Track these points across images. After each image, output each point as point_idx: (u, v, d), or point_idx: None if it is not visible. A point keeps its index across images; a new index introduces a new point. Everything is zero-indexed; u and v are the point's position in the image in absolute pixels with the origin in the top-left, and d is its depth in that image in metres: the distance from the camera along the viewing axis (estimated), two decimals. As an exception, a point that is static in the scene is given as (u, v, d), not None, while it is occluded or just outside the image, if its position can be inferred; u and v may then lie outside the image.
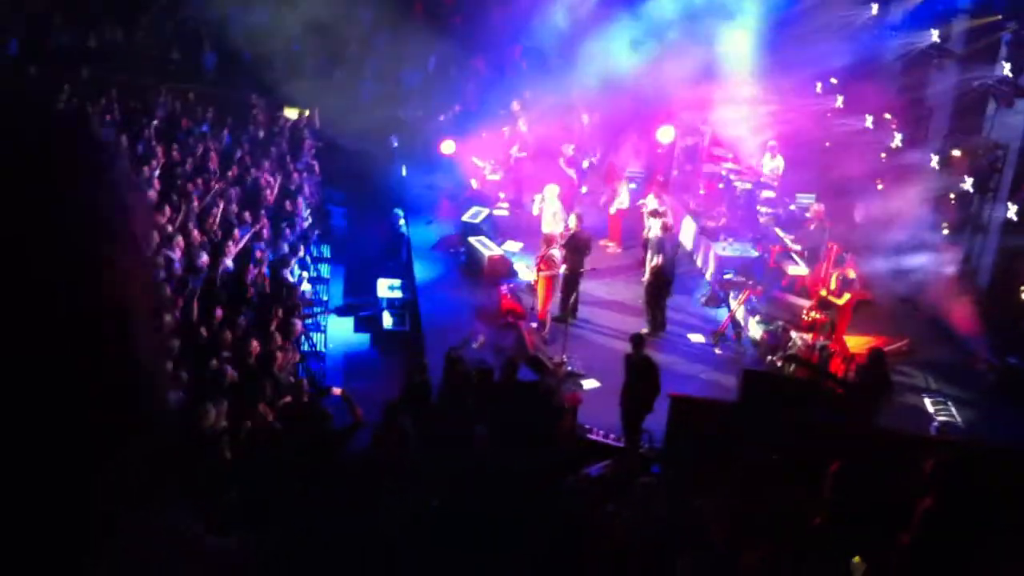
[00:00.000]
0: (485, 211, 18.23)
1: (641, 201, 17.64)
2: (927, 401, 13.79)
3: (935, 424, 13.21)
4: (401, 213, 17.68)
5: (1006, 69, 16.33)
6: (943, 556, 8.12)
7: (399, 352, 14.82)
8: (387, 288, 16.07)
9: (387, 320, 15.68)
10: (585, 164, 19.95)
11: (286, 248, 14.83)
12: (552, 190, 17.24)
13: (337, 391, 11.95)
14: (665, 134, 20.88)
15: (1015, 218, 15.33)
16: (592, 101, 20.97)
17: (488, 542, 7.98)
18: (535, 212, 17.33)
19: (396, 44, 20.78)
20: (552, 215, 16.77)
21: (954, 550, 8.07)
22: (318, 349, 14.40)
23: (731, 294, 16.22)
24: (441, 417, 10.83)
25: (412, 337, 15.18)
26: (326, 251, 17.27)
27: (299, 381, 11.41)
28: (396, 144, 20.78)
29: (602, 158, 20.90)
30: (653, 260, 15.58)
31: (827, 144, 20.42)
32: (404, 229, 17.56)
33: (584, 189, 19.79)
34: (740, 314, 15.81)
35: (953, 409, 13.54)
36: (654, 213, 16.44)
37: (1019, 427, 13.42)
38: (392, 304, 15.86)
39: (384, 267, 16.69)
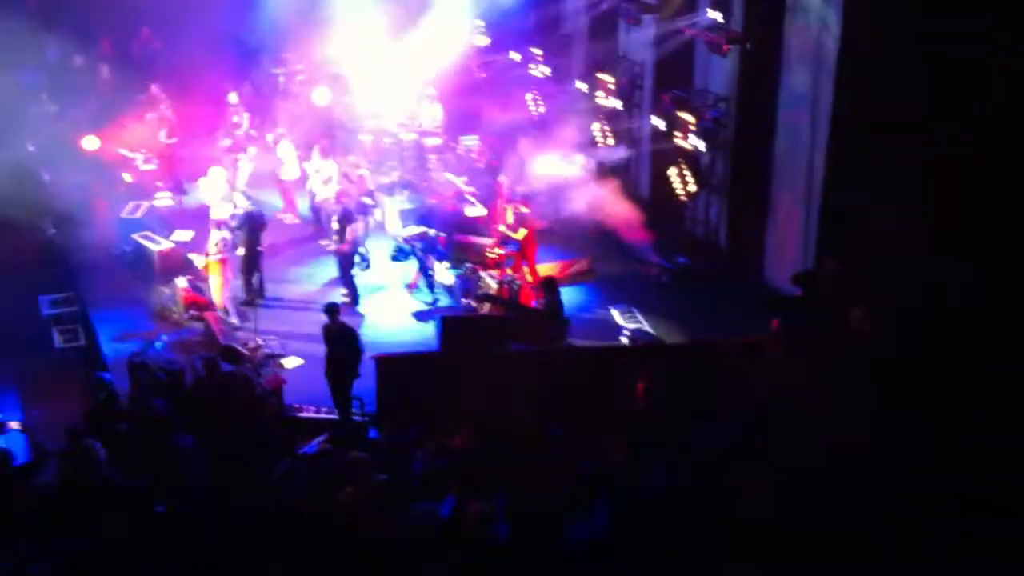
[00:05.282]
0: (145, 204, 17.04)
1: (308, 166, 17.22)
2: (614, 312, 14.49)
3: (625, 332, 13.93)
4: (50, 221, 16.10)
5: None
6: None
7: (78, 370, 13.58)
8: (51, 304, 14.68)
9: (57, 339, 14.30)
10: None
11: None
12: (217, 172, 16.46)
13: (14, 425, 10.95)
14: (320, 96, 20.40)
15: (662, 127, 16.32)
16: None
17: (219, 547, 7.53)
18: (204, 197, 16.49)
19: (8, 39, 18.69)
20: (220, 198, 16.04)
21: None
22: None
23: (416, 245, 16.20)
24: (137, 431, 10.03)
25: (90, 352, 13.96)
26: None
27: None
28: (32, 148, 18.88)
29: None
30: (334, 228, 15.30)
31: (480, 82, 20.81)
32: (56, 238, 16.01)
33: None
34: (428, 263, 15.85)
35: (639, 315, 14.33)
36: (325, 180, 16.17)
37: (698, 317, 14.47)
38: (59, 320, 14.49)
39: (41, 283, 15.15)
